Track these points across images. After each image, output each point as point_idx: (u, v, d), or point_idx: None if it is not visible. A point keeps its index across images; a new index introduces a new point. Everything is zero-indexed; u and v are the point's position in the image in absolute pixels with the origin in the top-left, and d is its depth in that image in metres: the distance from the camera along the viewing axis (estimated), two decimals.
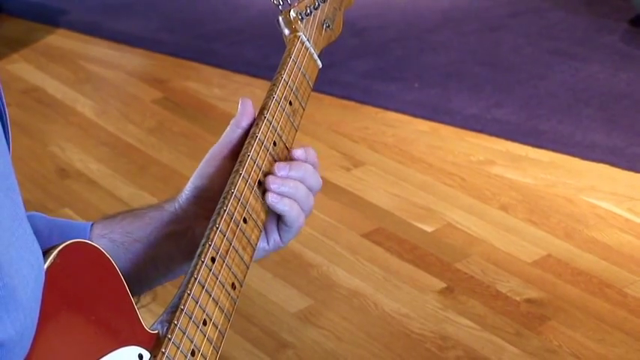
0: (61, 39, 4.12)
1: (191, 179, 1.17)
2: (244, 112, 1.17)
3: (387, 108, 3.41)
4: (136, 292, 1.13)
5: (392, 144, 3.17)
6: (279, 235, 1.16)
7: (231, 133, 1.17)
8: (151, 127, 3.37)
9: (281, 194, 1.12)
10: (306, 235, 2.69)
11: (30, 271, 0.89)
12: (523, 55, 3.72)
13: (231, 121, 1.17)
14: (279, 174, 1.12)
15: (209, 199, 1.13)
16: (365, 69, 3.67)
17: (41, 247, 0.92)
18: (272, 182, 1.12)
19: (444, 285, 2.50)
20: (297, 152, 1.17)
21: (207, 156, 1.17)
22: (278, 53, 1.25)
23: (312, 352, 2.31)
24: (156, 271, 1.16)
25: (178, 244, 1.15)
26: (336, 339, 2.34)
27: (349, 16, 1.43)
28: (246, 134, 1.16)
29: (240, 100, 1.18)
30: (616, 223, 2.70)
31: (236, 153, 1.14)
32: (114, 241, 1.15)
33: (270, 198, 1.11)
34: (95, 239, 1.14)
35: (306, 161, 1.16)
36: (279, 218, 1.15)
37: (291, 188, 1.13)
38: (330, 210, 2.80)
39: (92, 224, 1.17)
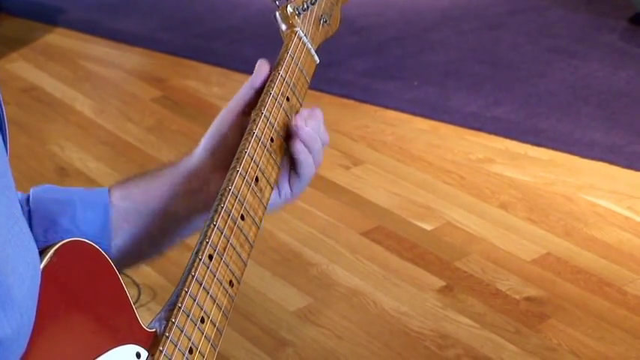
0: (60, 38, 4.12)
1: (205, 136, 1.20)
2: (259, 72, 1.22)
3: (386, 106, 3.41)
4: (162, 248, 1.20)
5: (391, 142, 3.17)
6: (290, 187, 1.20)
7: (245, 92, 1.21)
8: (150, 125, 3.37)
9: (304, 143, 1.17)
10: (306, 234, 2.69)
11: (26, 269, 0.89)
12: (522, 53, 3.72)
13: (246, 82, 1.21)
14: (301, 124, 1.18)
15: (223, 155, 1.16)
16: (364, 67, 3.67)
17: (67, 216, 0.93)
18: (300, 130, 1.17)
19: (443, 283, 2.49)
20: (308, 112, 1.22)
21: (221, 113, 1.21)
22: (277, 51, 1.25)
23: (311, 350, 2.30)
24: (177, 225, 1.19)
25: (195, 199, 1.18)
26: (336, 337, 2.33)
27: (348, 15, 1.43)
28: (261, 92, 1.20)
29: (258, 62, 1.22)
30: (615, 222, 2.70)
31: (249, 110, 1.19)
32: (135, 202, 1.17)
33: (297, 145, 1.17)
34: (116, 202, 1.16)
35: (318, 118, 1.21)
36: (290, 170, 1.19)
37: (311, 139, 1.18)
38: (330, 208, 2.80)
39: (109, 190, 1.18)
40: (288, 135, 1.19)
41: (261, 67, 1.22)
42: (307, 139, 1.17)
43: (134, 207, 1.17)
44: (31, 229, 0.98)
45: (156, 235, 1.18)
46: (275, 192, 1.18)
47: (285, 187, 1.20)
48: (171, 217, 1.18)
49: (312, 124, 1.19)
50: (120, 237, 1.16)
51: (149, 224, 1.17)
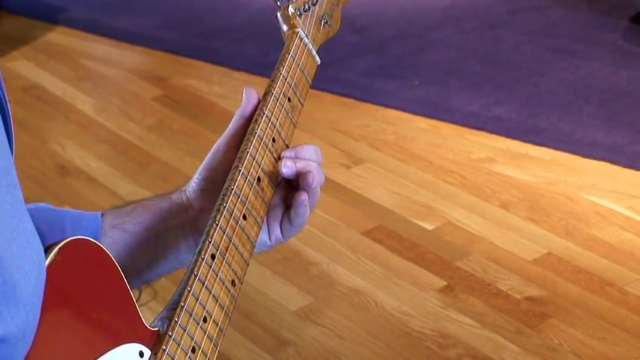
0: (60, 36, 4.12)
1: (198, 170, 1.19)
2: (249, 101, 1.19)
3: (387, 106, 3.41)
4: (148, 279, 1.18)
5: (392, 142, 3.17)
6: (282, 231, 1.17)
7: (236, 124, 1.19)
8: (150, 124, 3.37)
9: (309, 198, 1.14)
10: (307, 233, 2.69)
11: (31, 267, 0.89)
12: (523, 52, 3.72)
13: (236, 112, 1.19)
14: (316, 182, 1.14)
15: (215, 191, 1.13)
16: (365, 66, 3.67)
17: (56, 237, 0.93)
18: (313, 189, 1.13)
19: (444, 283, 2.49)
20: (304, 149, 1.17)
21: (213, 148, 1.19)
22: (278, 50, 1.25)
23: (312, 349, 2.30)
24: (165, 260, 1.18)
25: (185, 235, 1.17)
26: (337, 337, 2.33)
27: (349, 14, 1.43)
28: (251, 121, 1.16)
29: (244, 90, 1.19)
30: (616, 221, 2.70)
31: (242, 141, 1.15)
32: (126, 231, 1.16)
33: (303, 199, 1.13)
34: (108, 229, 1.16)
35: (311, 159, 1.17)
36: (284, 215, 1.16)
37: (317, 195, 1.15)
38: (330, 208, 2.80)
39: (102, 214, 1.18)
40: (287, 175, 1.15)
41: (250, 95, 1.19)
42: (314, 197, 1.15)
43: (124, 236, 1.16)
44: None
45: (142, 268, 1.17)
46: (265, 235, 1.16)
47: (277, 231, 1.17)
48: (160, 251, 1.17)
49: (300, 162, 1.15)
50: None
51: (137, 255, 1.16)
